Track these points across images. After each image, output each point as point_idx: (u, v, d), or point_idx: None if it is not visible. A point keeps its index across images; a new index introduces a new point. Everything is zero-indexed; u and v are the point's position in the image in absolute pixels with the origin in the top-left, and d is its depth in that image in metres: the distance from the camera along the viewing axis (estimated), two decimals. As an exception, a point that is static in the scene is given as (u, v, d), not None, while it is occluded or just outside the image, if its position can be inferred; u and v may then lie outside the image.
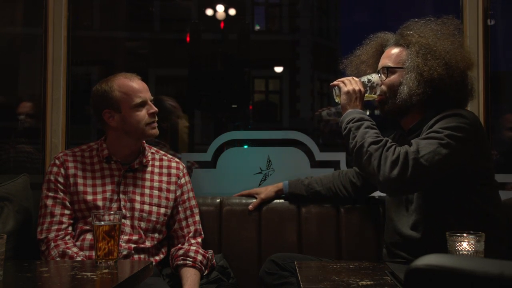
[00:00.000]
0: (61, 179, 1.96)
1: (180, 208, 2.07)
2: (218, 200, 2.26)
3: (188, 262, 1.95)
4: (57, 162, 1.99)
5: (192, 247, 2.01)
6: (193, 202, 2.11)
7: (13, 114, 2.91)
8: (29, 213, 2.03)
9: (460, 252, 1.31)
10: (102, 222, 1.53)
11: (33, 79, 2.66)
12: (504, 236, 1.70)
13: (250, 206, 2.22)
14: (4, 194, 1.99)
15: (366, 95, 1.81)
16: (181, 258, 1.97)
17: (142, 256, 1.94)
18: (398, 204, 1.81)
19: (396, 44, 1.85)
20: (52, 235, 1.89)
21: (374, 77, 1.82)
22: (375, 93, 1.83)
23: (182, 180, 2.10)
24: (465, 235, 1.32)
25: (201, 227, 2.10)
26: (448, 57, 1.71)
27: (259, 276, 1.98)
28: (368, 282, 1.31)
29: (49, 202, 1.94)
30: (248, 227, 2.22)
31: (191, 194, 2.11)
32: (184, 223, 2.06)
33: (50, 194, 1.95)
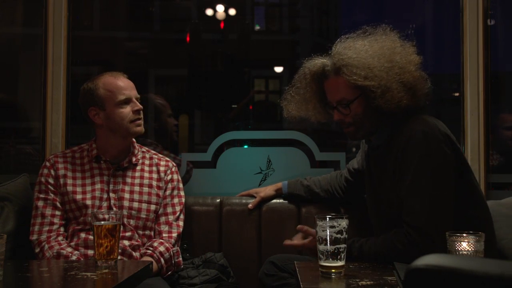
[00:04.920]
0: (51, 180, 1.97)
1: (161, 203, 2.04)
2: (218, 200, 2.26)
3: (148, 251, 1.92)
4: (47, 164, 2.00)
5: (159, 240, 1.97)
6: (176, 200, 2.06)
7: (14, 114, 2.91)
8: (29, 213, 2.03)
9: (460, 252, 1.31)
10: (102, 222, 1.53)
11: (33, 79, 2.65)
12: (492, 235, 1.70)
13: (250, 205, 2.22)
14: (4, 194, 2.00)
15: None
16: (145, 248, 1.95)
17: (138, 254, 1.94)
18: (376, 213, 1.81)
19: (336, 73, 1.71)
20: (43, 236, 1.90)
21: (342, 223, 1.40)
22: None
23: (169, 177, 2.07)
24: (464, 235, 1.32)
25: (180, 224, 2.04)
26: (387, 62, 1.65)
27: (259, 277, 1.98)
28: (368, 282, 1.31)
29: (40, 203, 1.95)
30: (248, 227, 2.22)
31: (175, 192, 2.07)
32: (162, 219, 2.02)
33: (41, 195, 1.96)
